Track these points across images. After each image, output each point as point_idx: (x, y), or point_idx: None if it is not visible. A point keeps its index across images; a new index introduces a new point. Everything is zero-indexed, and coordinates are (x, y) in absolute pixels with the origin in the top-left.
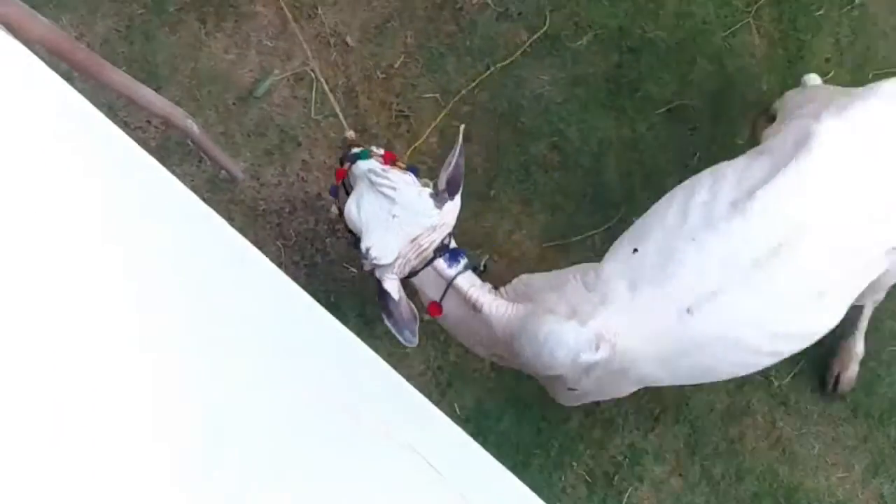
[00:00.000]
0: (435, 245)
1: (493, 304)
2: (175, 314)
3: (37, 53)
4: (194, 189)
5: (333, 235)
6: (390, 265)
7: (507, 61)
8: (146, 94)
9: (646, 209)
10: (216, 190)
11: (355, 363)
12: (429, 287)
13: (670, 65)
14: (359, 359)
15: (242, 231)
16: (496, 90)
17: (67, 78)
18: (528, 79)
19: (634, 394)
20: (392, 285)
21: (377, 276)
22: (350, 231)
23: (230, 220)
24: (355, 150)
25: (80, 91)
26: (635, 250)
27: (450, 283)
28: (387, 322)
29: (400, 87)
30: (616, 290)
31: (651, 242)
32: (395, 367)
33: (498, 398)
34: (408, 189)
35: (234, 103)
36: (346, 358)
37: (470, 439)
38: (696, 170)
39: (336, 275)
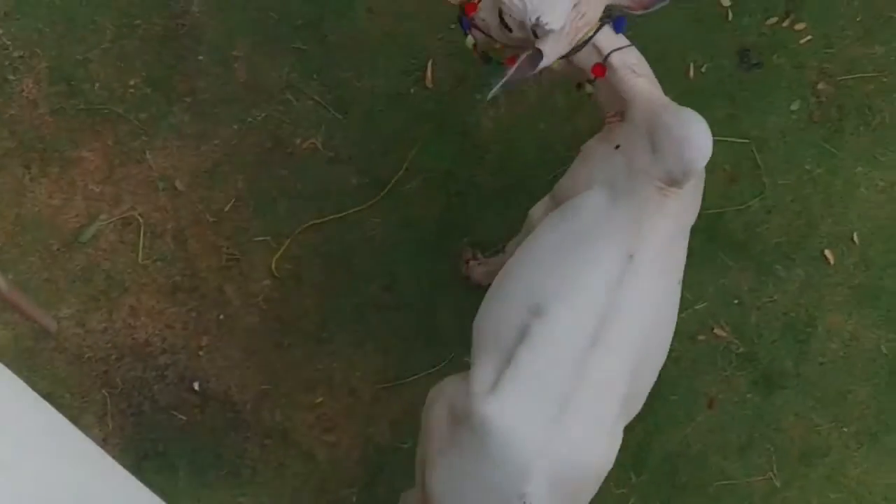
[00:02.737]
0: (598, 13)
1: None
2: None
3: None
4: (16, 339)
5: (162, 382)
6: (557, 33)
7: (343, 213)
8: None
9: None
10: (40, 338)
11: None
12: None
13: (497, 208)
14: None
15: (67, 380)
16: (328, 233)
17: None
18: (359, 221)
19: None
20: (554, 48)
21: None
22: (484, 58)
23: (53, 369)
24: None
25: None
26: None
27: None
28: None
29: (231, 230)
30: None
31: None
32: None
33: None
34: None
35: (58, 249)
36: None
37: None
38: None
39: (164, 423)
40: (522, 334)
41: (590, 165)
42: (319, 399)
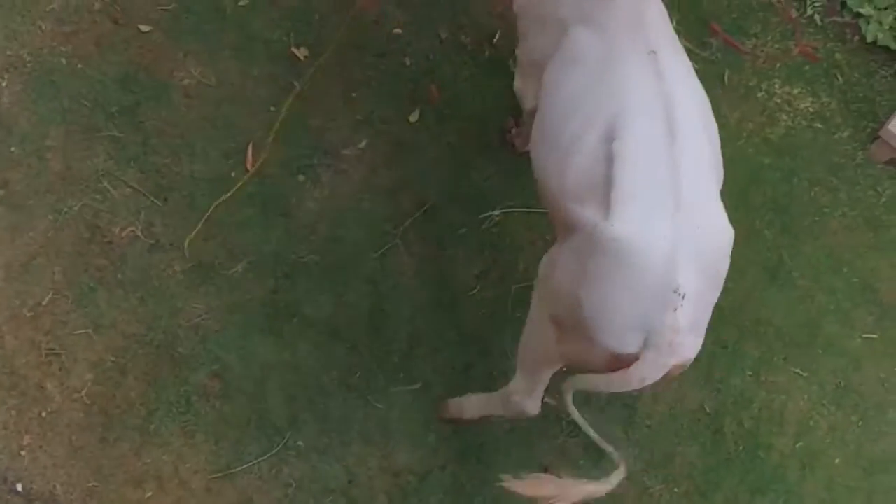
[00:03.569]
0: None
1: None
2: None
3: None
4: None
5: None
6: None
7: (164, 301)
8: None
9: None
10: None
11: None
12: None
13: (325, 287)
14: None
15: None
16: (151, 322)
17: None
18: (183, 308)
19: None
20: None
21: None
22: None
23: None
24: None
25: None
26: None
27: None
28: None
29: (50, 324)
30: None
31: None
32: None
33: None
34: None
35: None
36: None
37: None
38: (357, 388)
39: None
40: (609, 161)
41: (545, 13)
42: (149, 494)
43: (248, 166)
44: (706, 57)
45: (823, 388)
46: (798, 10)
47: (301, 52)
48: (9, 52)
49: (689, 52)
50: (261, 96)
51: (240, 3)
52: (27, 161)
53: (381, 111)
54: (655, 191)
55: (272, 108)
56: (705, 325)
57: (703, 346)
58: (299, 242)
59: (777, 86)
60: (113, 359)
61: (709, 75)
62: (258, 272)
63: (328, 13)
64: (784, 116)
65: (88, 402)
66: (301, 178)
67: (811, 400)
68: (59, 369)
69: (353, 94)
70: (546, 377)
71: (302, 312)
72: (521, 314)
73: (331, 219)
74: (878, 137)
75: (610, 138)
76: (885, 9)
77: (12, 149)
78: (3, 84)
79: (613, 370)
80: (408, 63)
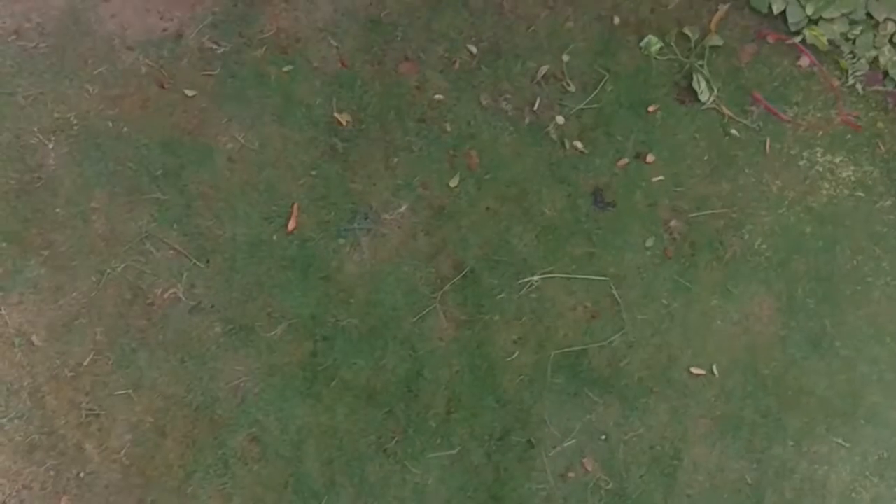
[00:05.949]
0: None
1: None
2: None
3: None
4: None
5: None
6: None
7: (205, 363)
8: None
9: (348, 497)
10: None
11: None
12: None
13: (364, 351)
14: None
15: None
16: (191, 383)
17: None
18: (223, 370)
19: None
20: None
21: None
22: None
23: None
24: None
25: None
26: None
27: None
28: None
29: (90, 384)
30: None
31: None
32: None
33: None
34: None
35: None
36: None
37: None
38: (394, 453)
39: None
40: None
41: None
42: None
43: (290, 230)
44: (747, 125)
45: (866, 459)
46: (840, 79)
47: (343, 118)
48: (56, 115)
49: (730, 119)
50: (302, 161)
51: (283, 70)
52: (72, 222)
53: (421, 176)
54: None
55: (313, 173)
56: None
57: (745, 418)
58: (338, 305)
59: (819, 154)
60: (152, 420)
61: (750, 143)
62: (297, 335)
63: (370, 79)
64: (826, 185)
65: (127, 462)
66: (341, 241)
67: (854, 471)
68: (99, 430)
69: (394, 159)
70: None
71: (340, 376)
72: (559, 380)
73: (370, 282)
74: None
75: None
76: None
77: (57, 210)
78: (50, 146)
79: None
80: (448, 128)
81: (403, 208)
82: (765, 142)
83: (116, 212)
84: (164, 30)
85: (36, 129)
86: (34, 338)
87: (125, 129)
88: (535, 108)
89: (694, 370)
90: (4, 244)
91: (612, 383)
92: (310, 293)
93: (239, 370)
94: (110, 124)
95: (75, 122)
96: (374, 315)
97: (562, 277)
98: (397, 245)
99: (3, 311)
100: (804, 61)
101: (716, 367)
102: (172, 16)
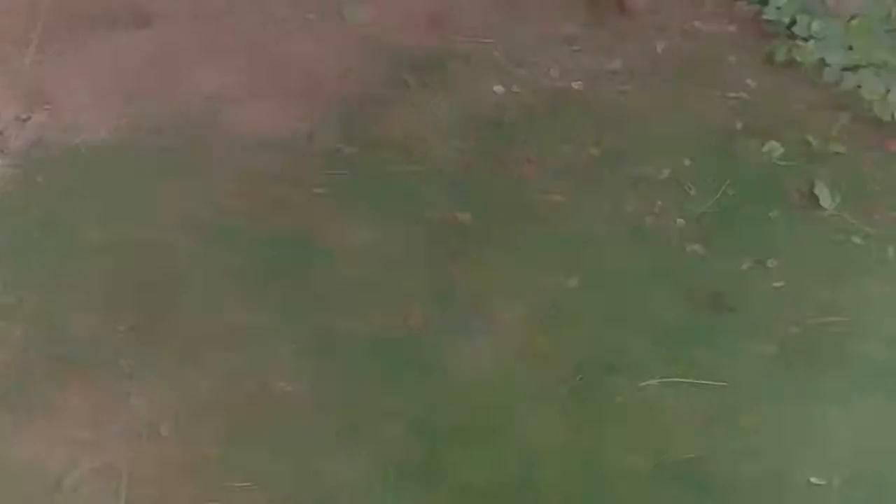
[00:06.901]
0: None
1: None
2: None
3: None
4: None
5: None
6: None
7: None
8: None
9: None
10: None
11: None
12: None
13: (478, 453)
14: None
15: None
16: (308, 480)
17: None
18: (338, 468)
19: None
20: None
21: None
22: None
23: None
24: None
25: None
26: None
27: None
28: None
29: (214, 476)
30: None
31: None
32: None
33: None
34: None
35: (38, 498)
36: None
37: None
38: None
39: None
40: None
41: None
42: None
43: (408, 328)
44: (870, 232)
45: None
46: None
47: (463, 217)
48: (189, 212)
49: (852, 226)
50: (423, 259)
51: (408, 170)
52: (201, 316)
53: (540, 276)
54: None
55: (433, 272)
56: None
57: None
58: (454, 406)
59: None
60: None
61: (873, 251)
62: (413, 435)
63: (491, 179)
64: None
65: None
66: (459, 341)
67: None
68: None
69: (513, 259)
70: None
71: (455, 476)
72: (675, 490)
73: (486, 384)
74: None
75: None
76: None
77: (187, 304)
78: (183, 242)
79: None
80: (568, 230)
81: (521, 309)
82: (888, 249)
83: (244, 307)
84: (296, 130)
85: (169, 226)
86: (162, 428)
87: (255, 226)
88: (656, 210)
89: (814, 479)
90: (135, 335)
91: (729, 491)
92: (426, 392)
93: (355, 468)
94: (241, 222)
95: (207, 219)
96: (490, 417)
97: (680, 382)
98: (515, 346)
99: (133, 401)
100: None
101: (836, 478)
102: (303, 117)
